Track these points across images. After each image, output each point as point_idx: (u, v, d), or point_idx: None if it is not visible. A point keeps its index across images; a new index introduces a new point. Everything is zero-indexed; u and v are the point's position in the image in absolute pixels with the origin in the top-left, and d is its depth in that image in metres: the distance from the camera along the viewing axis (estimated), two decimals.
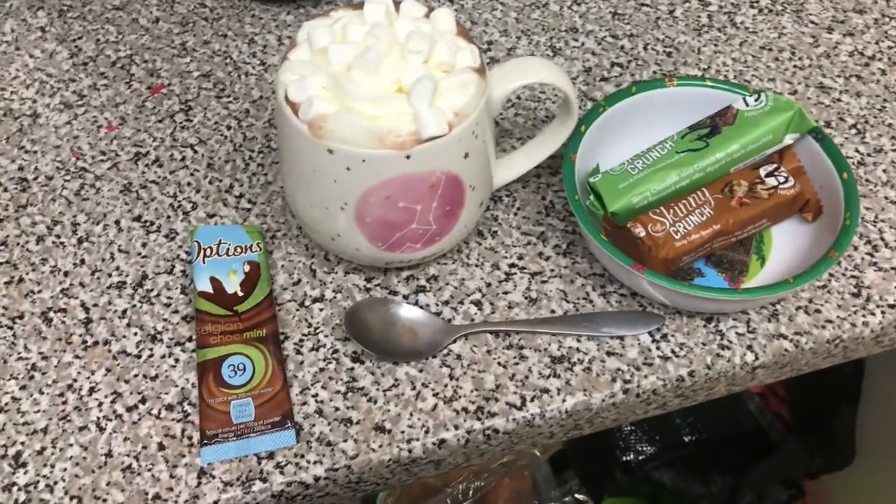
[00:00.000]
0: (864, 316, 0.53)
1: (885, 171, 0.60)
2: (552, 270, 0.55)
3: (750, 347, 0.52)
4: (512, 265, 0.56)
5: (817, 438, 1.08)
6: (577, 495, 0.90)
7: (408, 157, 0.45)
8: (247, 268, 0.53)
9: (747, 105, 0.55)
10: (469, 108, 0.46)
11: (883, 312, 0.53)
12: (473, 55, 0.47)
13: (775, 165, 0.54)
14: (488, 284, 0.55)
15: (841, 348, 0.54)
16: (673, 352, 0.52)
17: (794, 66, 0.67)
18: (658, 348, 0.52)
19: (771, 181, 0.53)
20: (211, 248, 0.54)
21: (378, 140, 0.44)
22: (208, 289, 0.52)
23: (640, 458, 1.11)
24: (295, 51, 0.48)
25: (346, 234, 0.50)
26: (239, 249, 0.54)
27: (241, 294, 0.52)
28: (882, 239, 0.57)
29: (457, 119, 0.46)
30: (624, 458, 1.10)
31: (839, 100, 0.65)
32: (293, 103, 0.46)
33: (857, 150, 0.62)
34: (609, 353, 0.52)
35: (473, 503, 0.81)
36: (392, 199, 0.47)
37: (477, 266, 0.55)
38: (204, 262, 0.53)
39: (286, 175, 0.51)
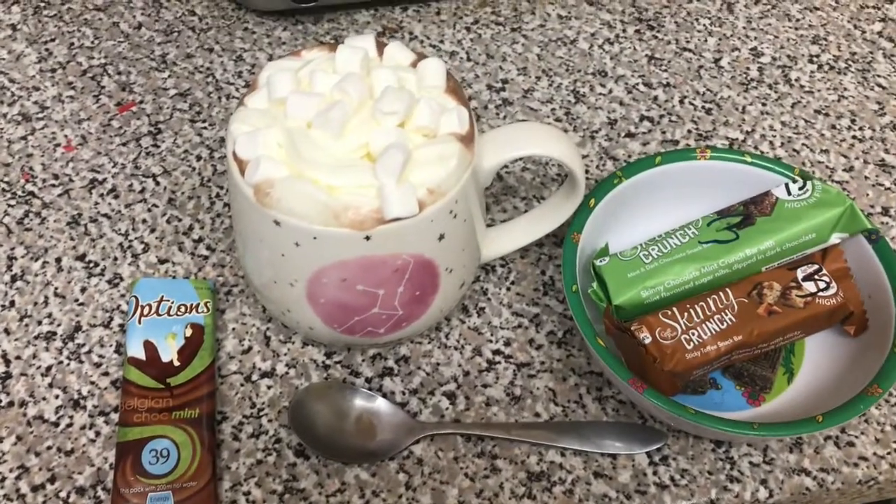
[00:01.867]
0: None
1: None
2: (542, 363, 0.48)
3: (764, 482, 0.44)
4: (497, 352, 0.48)
5: None
6: None
7: (367, 237, 0.37)
8: (189, 331, 0.46)
9: (790, 193, 0.46)
10: (447, 184, 0.38)
11: None
12: (461, 119, 0.40)
13: (816, 267, 0.46)
14: (466, 373, 0.47)
15: (875, 490, 0.46)
16: (672, 479, 0.44)
17: (853, 137, 0.58)
18: (655, 473, 0.44)
19: (809, 286, 0.45)
20: (150, 305, 0.47)
21: (333, 216, 0.37)
22: (140, 355, 0.45)
23: None
24: (253, 96, 0.41)
25: (296, 312, 0.42)
26: (183, 308, 0.47)
27: (177, 363, 0.45)
28: None
29: (430, 197, 0.38)
30: None
31: None
32: (241, 160, 0.39)
33: None
34: (597, 475, 0.44)
35: None
36: (349, 282, 0.40)
37: (456, 349, 0.48)
38: (140, 322, 0.46)
39: (237, 234, 0.44)
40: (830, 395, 0.44)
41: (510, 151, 0.41)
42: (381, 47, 0.43)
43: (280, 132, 0.39)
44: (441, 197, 0.38)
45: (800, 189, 0.46)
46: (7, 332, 0.48)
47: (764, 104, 0.60)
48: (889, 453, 0.45)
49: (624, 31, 0.64)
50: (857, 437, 0.45)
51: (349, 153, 0.38)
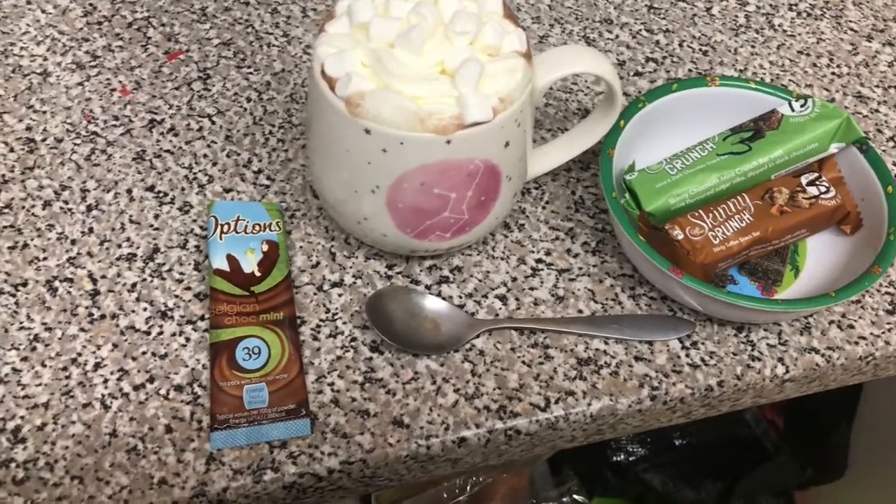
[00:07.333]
0: None
1: None
2: (580, 269, 0.53)
3: (781, 360, 0.50)
4: (539, 260, 0.54)
5: (811, 450, 1.08)
6: (575, 496, 0.89)
7: (448, 141, 0.43)
8: (265, 247, 0.51)
9: (793, 110, 0.53)
10: (514, 94, 0.44)
11: None
12: (521, 39, 0.45)
13: (816, 174, 0.53)
14: (514, 279, 0.53)
15: (872, 366, 0.52)
16: (703, 360, 0.50)
17: (833, 74, 0.65)
18: (688, 355, 0.50)
19: (812, 190, 0.52)
20: (229, 224, 0.51)
21: (419, 122, 0.42)
22: (224, 267, 0.50)
23: (631, 459, 1.10)
24: (333, 23, 0.46)
25: (373, 219, 0.47)
26: (258, 227, 0.52)
27: (258, 274, 0.50)
28: None
29: (501, 105, 0.43)
30: (614, 459, 1.09)
31: (877, 111, 0.63)
32: (330, 78, 0.44)
33: (895, 164, 0.60)
34: (637, 358, 0.50)
35: (469, 498, 0.79)
36: (427, 186, 0.45)
37: (503, 259, 0.53)
38: (221, 239, 0.50)
39: (313, 153, 0.49)
40: (833, 284, 0.50)
41: (562, 69, 0.47)
42: None
43: (364, 52, 0.44)
44: (510, 105, 0.44)
45: (801, 106, 0.53)
46: (90, 254, 0.52)
47: (753, 47, 0.67)
48: (883, 332, 0.52)
49: None
50: (856, 320, 0.52)
51: (428, 69, 0.44)
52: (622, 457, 1.10)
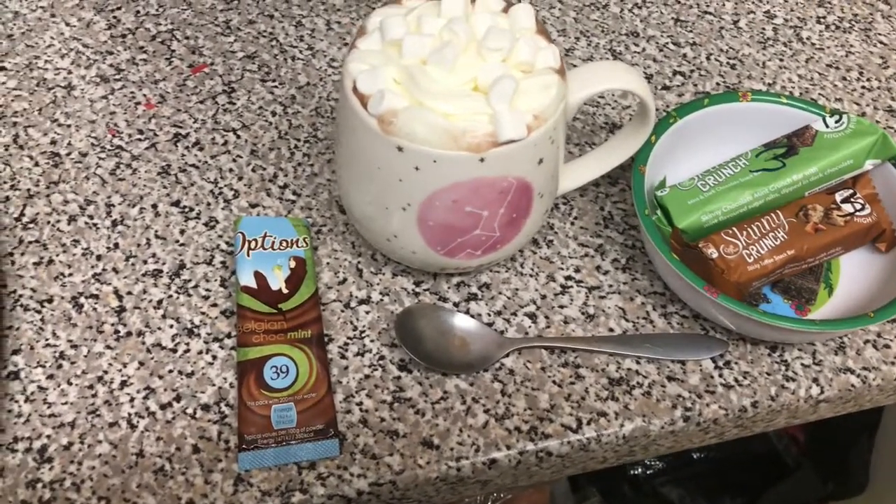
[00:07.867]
0: None
1: None
2: (611, 286, 0.53)
3: (816, 380, 0.49)
4: (568, 278, 0.53)
5: (831, 465, 1.06)
6: None
7: (482, 159, 0.42)
8: (292, 263, 0.50)
9: (827, 126, 0.52)
10: (548, 111, 0.43)
11: None
12: (555, 56, 0.45)
13: (851, 191, 0.52)
14: (543, 297, 0.52)
15: None
16: (736, 380, 0.49)
17: (863, 87, 0.65)
18: (721, 375, 0.49)
19: (847, 207, 0.51)
20: (256, 240, 0.51)
21: (452, 140, 0.42)
22: (252, 284, 0.49)
23: (649, 472, 1.09)
24: (364, 39, 0.45)
25: (403, 236, 0.47)
26: (285, 243, 0.51)
27: (286, 291, 0.49)
28: None
29: (535, 123, 0.43)
30: (632, 472, 1.08)
31: None
32: (362, 95, 0.43)
33: None
34: (670, 378, 0.49)
35: None
36: (459, 203, 0.44)
37: (532, 276, 0.53)
38: (248, 255, 0.50)
39: (342, 169, 0.48)
40: (868, 303, 0.50)
41: (594, 86, 0.46)
42: None
43: (396, 69, 0.43)
44: (544, 123, 0.43)
45: (836, 122, 0.52)
46: (116, 270, 0.51)
47: (781, 60, 0.66)
48: None
49: None
50: (891, 340, 0.51)
51: (460, 86, 0.43)
52: (640, 470, 1.09)
